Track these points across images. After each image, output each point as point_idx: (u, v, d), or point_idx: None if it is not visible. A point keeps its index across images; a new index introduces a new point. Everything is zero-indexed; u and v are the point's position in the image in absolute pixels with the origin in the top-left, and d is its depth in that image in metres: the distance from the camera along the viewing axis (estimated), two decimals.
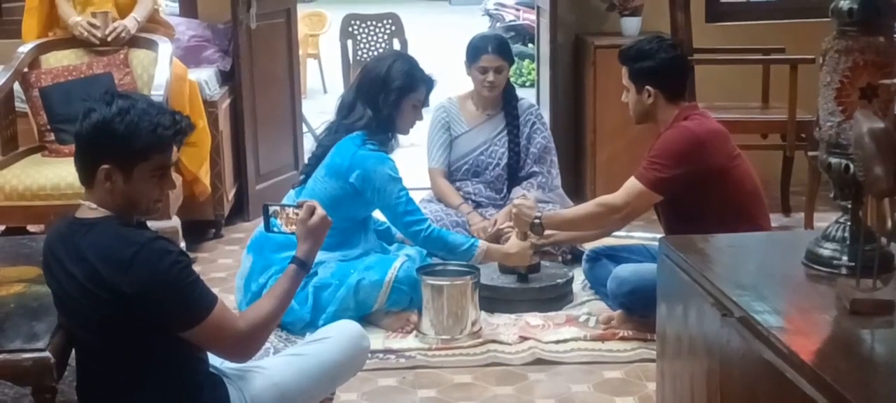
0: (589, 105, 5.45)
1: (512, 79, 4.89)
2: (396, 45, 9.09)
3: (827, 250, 2.32)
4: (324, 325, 3.64)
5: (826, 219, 2.59)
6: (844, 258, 2.28)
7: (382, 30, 9.35)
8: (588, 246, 4.31)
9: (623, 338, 3.79)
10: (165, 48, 4.76)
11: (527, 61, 10.20)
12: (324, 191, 3.93)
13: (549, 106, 5.70)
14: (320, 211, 2.63)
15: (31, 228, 4.67)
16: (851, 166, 2.23)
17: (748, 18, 6.01)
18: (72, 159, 4.53)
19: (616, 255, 4.05)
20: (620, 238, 4.42)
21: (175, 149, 2.49)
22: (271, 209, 2.70)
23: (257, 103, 5.47)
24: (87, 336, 2.44)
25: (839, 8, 2.28)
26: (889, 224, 2.58)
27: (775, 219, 4.89)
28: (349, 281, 3.86)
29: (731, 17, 5.97)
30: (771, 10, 6.28)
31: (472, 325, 3.84)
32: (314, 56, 10.66)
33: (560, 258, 4.49)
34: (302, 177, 4.16)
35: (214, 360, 2.62)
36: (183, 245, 4.25)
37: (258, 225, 4.21)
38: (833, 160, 2.30)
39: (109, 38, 4.77)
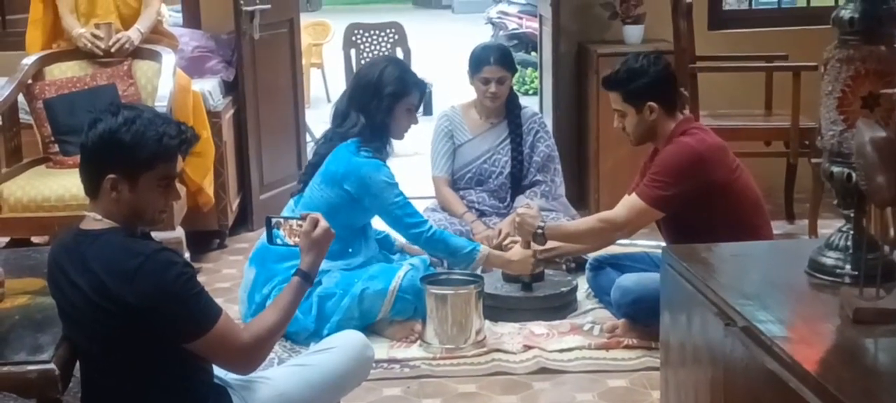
0: (592, 113, 5.45)
1: (515, 88, 4.90)
2: (399, 54, 9.10)
3: (830, 259, 2.32)
4: (328, 335, 3.65)
5: (830, 226, 2.60)
6: (847, 267, 2.28)
7: (385, 39, 9.37)
8: (591, 255, 4.31)
9: (627, 347, 3.79)
10: (169, 59, 4.77)
11: (530, 69, 10.21)
12: (321, 199, 3.94)
13: (552, 114, 5.70)
14: (323, 223, 2.62)
15: (35, 240, 4.68)
16: (854, 175, 2.23)
17: (750, 26, 6.01)
18: (76, 170, 4.54)
19: (620, 264, 4.05)
20: (624, 246, 4.41)
21: (180, 159, 2.50)
22: (274, 221, 2.70)
23: (261, 113, 5.48)
24: (92, 347, 2.44)
25: (840, 17, 2.28)
26: (892, 232, 2.58)
27: (779, 227, 4.90)
28: (353, 290, 3.86)
29: (733, 24, 5.97)
30: (773, 18, 6.29)
31: (476, 334, 3.84)
32: (318, 65, 10.68)
33: (564, 266, 4.49)
34: (299, 185, 4.16)
35: (219, 371, 2.62)
36: (187, 255, 4.25)
37: (262, 235, 4.22)
38: (835, 169, 2.30)
39: (113, 50, 4.78)
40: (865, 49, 2.25)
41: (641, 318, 3.71)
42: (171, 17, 7.12)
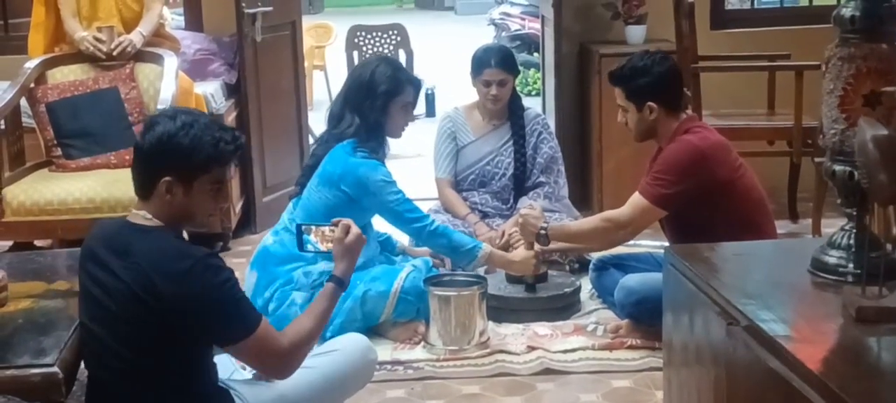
0: (595, 114, 5.45)
1: (518, 89, 4.89)
2: (402, 56, 9.11)
3: (832, 258, 2.32)
4: (331, 337, 3.65)
5: (834, 225, 2.59)
6: (850, 265, 2.28)
7: (388, 40, 9.38)
8: (595, 256, 4.31)
9: (631, 347, 3.78)
10: (171, 62, 4.78)
11: (532, 70, 10.21)
12: (319, 201, 3.94)
13: (555, 115, 5.70)
14: (355, 229, 2.70)
15: (38, 243, 4.69)
16: (856, 173, 2.23)
17: (753, 25, 6.00)
18: (79, 174, 4.61)
19: (623, 264, 4.05)
20: (628, 246, 4.40)
21: (233, 164, 2.57)
22: (304, 228, 2.77)
23: (263, 116, 5.48)
24: (111, 337, 2.44)
25: (841, 15, 2.28)
26: (894, 231, 2.58)
27: (783, 226, 4.89)
28: (355, 292, 3.86)
29: (735, 23, 5.96)
30: (776, 17, 6.28)
31: (479, 335, 3.84)
32: (320, 68, 10.68)
33: (567, 267, 4.49)
34: (297, 187, 4.16)
35: (222, 373, 2.63)
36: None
37: (263, 238, 4.22)
38: (837, 167, 2.30)
39: (115, 53, 4.79)
40: (866, 47, 2.25)
41: (645, 318, 3.71)
42: (173, 20, 7.13)
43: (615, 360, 3.73)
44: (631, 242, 4.34)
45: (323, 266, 3.86)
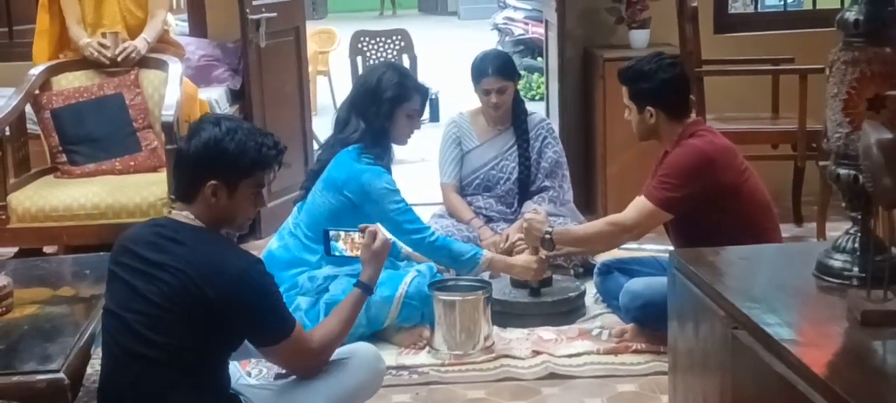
0: (598, 118, 5.45)
1: (521, 93, 4.89)
2: (406, 61, 9.11)
3: (837, 261, 2.33)
4: None
5: (839, 228, 2.59)
6: (855, 269, 2.28)
7: (391, 45, 9.37)
8: (599, 259, 4.31)
9: (636, 351, 3.78)
10: (176, 68, 4.79)
11: (536, 74, 10.21)
12: (323, 205, 3.95)
13: (559, 119, 5.70)
14: (382, 235, 2.82)
15: (44, 249, 4.70)
16: (860, 177, 2.23)
17: (756, 29, 6.00)
18: (84, 180, 4.61)
19: (628, 268, 4.04)
20: (632, 250, 4.41)
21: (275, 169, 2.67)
22: (332, 233, 2.88)
23: (268, 121, 5.48)
24: (146, 326, 2.45)
25: (845, 19, 2.28)
26: None
27: (787, 229, 4.88)
28: None
29: (739, 27, 5.96)
30: (779, 21, 6.28)
31: (484, 340, 3.84)
32: (324, 73, 10.68)
33: (572, 271, 4.49)
34: (302, 192, 4.17)
35: (233, 375, 2.65)
36: None
37: (268, 243, 4.23)
38: (842, 171, 2.31)
39: (120, 59, 4.80)
40: (870, 51, 2.26)
41: (650, 323, 3.71)
42: (178, 26, 7.14)
43: (620, 364, 3.72)
44: (635, 246, 4.36)
45: (328, 270, 3.86)
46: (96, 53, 4.79)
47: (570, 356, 3.78)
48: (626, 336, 3.86)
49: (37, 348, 2.52)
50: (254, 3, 5.32)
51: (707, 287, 2.37)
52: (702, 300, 2.37)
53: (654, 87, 3.66)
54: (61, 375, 2.41)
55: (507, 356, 3.79)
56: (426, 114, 5.35)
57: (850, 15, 2.27)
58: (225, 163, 2.52)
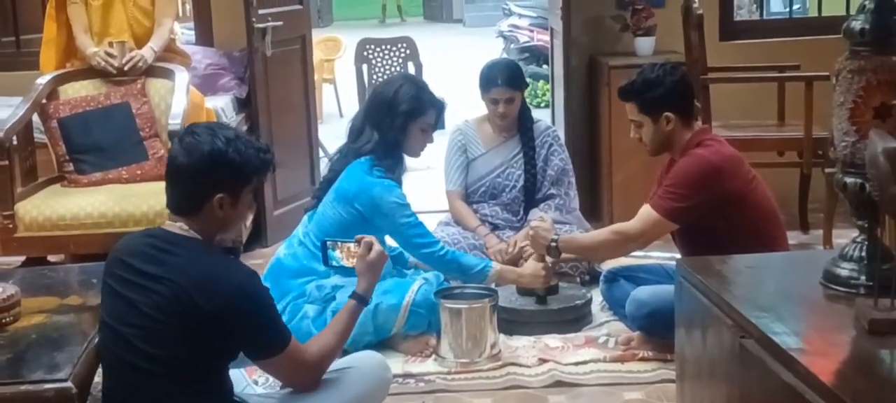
0: (604, 126, 5.46)
1: (527, 100, 4.89)
2: (411, 69, 9.12)
3: (845, 270, 2.33)
4: (343, 349, 3.66)
5: (845, 236, 2.60)
6: (862, 278, 2.29)
7: (397, 53, 9.38)
8: (606, 267, 4.30)
9: (643, 359, 3.78)
10: (182, 77, 4.80)
11: (541, 82, 10.21)
12: (333, 216, 3.95)
13: (564, 127, 5.70)
14: (378, 247, 2.79)
15: (51, 258, 4.70)
16: (867, 185, 2.23)
17: (762, 36, 6.00)
18: (91, 189, 4.62)
19: (634, 276, 4.04)
20: (638, 258, 4.41)
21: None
22: (329, 243, 2.87)
23: (274, 129, 5.50)
24: (141, 339, 2.45)
25: (851, 28, 2.28)
26: None
27: (794, 237, 4.88)
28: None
29: (744, 35, 5.96)
30: (784, 28, 6.28)
31: (491, 348, 3.84)
32: (330, 81, 10.70)
33: (578, 279, 4.49)
34: (313, 200, 4.17)
35: (235, 388, 2.65)
36: None
37: (276, 251, 4.24)
38: (849, 179, 2.31)
39: (127, 68, 4.81)
40: (877, 60, 2.26)
41: (656, 331, 3.71)
42: (184, 35, 7.16)
43: (627, 372, 3.72)
44: (641, 254, 4.35)
45: (336, 279, 3.86)
46: (103, 62, 4.80)
47: (576, 364, 3.78)
48: (632, 344, 3.86)
49: (44, 357, 2.52)
50: (260, 11, 5.33)
51: (714, 295, 2.37)
52: (709, 309, 2.37)
53: (667, 92, 3.65)
54: (69, 384, 2.41)
55: (513, 364, 3.79)
56: None
57: (857, 24, 2.27)
58: (230, 175, 2.51)
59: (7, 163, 4.44)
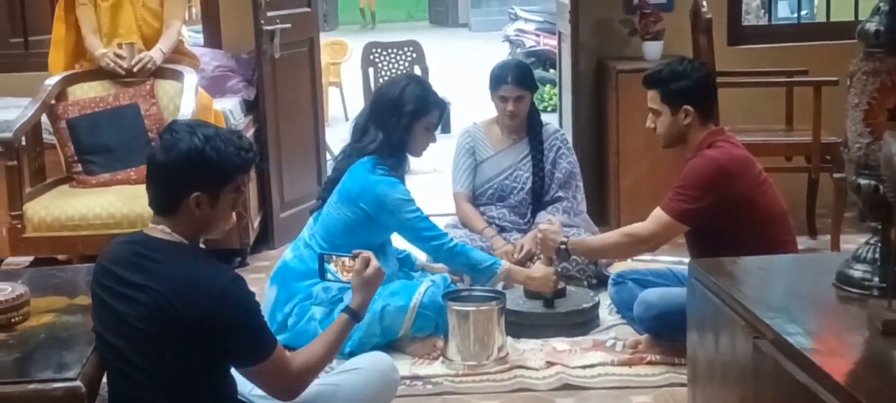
0: (611, 129, 5.45)
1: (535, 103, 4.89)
2: (417, 73, 9.14)
3: (858, 271, 2.32)
4: (350, 352, 3.67)
5: (853, 241, 2.60)
6: (875, 279, 2.28)
7: (403, 57, 9.40)
8: (614, 270, 4.29)
9: (651, 363, 3.77)
10: (191, 78, 4.80)
11: (548, 86, 10.21)
12: (338, 217, 3.95)
13: (572, 131, 5.70)
14: (374, 262, 2.72)
15: (59, 258, 4.70)
16: (881, 187, 2.23)
17: (770, 41, 6.00)
18: (99, 190, 4.62)
19: (642, 279, 4.03)
20: (646, 261, 4.41)
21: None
22: (325, 257, 2.83)
23: (281, 132, 5.50)
24: (131, 350, 2.43)
25: (866, 30, 2.28)
26: None
27: (801, 242, 4.86)
28: (374, 307, 3.85)
29: (752, 39, 5.96)
30: (793, 33, 6.28)
31: (498, 351, 3.84)
32: (336, 84, 10.71)
33: (586, 282, 4.48)
34: (318, 202, 4.17)
35: (241, 389, 2.64)
36: None
37: (283, 253, 4.23)
38: (862, 181, 2.30)
39: (135, 70, 4.81)
40: (891, 61, 2.26)
41: (665, 334, 3.70)
42: (192, 37, 7.16)
43: (635, 376, 3.72)
44: (649, 257, 4.35)
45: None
46: (112, 64, 4.80)
47: (584, 367, 3.77)
48: (640, 348, 3.85)
49: (53, 356, 2.52)
50: (268, 14, 5.34)
51: (727, 297, 2.37)
52: (722, 310, 2.37)
53: (692, 85, 3.66)
54: (78, 383, 2.40)
55: (520, 366, 3.79)
56: None
57: (871, 25, 2.27)
58: (208, 174, 2.43)
59: (16, 163, 4.44)
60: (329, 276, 2.83)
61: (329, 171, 5.98)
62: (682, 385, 3.13)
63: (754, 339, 2.16)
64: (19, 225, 4.43)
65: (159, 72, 4.87)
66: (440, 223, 4.31)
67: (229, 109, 5.19)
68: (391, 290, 3.94)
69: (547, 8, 12.28)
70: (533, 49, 11.70)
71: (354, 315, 2.70)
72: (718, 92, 4.94)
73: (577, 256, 4.07)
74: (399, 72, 9.28)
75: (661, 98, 3.70)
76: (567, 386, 3.67)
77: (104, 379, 2.66)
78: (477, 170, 4.77)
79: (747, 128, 5.21)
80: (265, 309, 4.06)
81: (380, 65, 9.37)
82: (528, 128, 4.76)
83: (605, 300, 4.26)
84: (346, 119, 10.50)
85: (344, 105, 10.80)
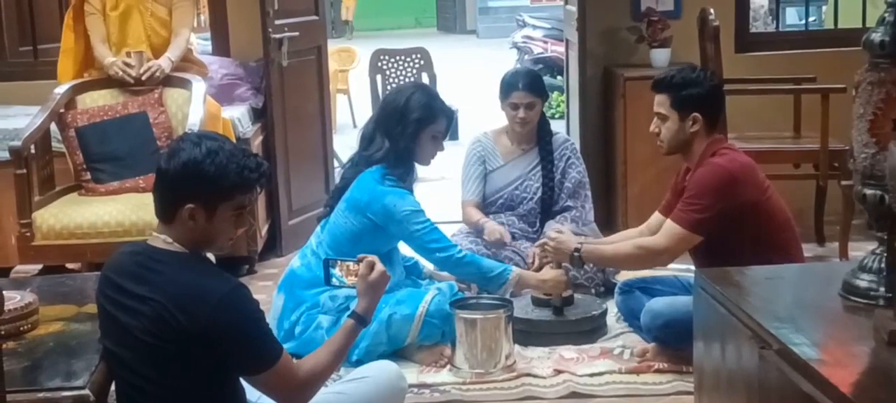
0: (619, 137, 5.45)
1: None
2: (425, 80, 9.15)
3: (864, 281, 2.32)
4: (357, 360, 3.67)
5: (861, 248, 2.60)
6: (881, 289, 2.27)
7: (411, 64, 9.41)
8: (621, 278, 4.29)
9: (658, 371, 3.77)
10: (199, 87, 4.81)
11: (555, 93, 10.21)
12: (345, 226, 3.96)
13: (579, 138, 5.70)
14: (379, 266, 2.70)
15: (68, 267, 4.72)
16: (887, 197, 2.23)
17: (777, 48, 6.00)
18: (108, 198, 4.64)
19: (649, 288, 4.03)
20: (653, 270, 4.39)
21: (257, 191, 2.56)
22: (331, 262, 2.82)
23: (289, 139, 5.52)
24: (136, 360, 2.44)
25: (871, 40, 2.28)
26: None
27: (809, 249, 4.87)
28: (380, 315, 3.85)
29: (760, 47, 5.96)
30: (800, 40, 6.28)
31: (505, 359, 3.84)
32: (344, 91, 10.73)
33: (593, 290, 4.48)
34: (326, 210, 4.18)
35: (250, 396, 2.64)
36: None
37: (291, 261, 4.24)
38: (868, 191, 2.30)
39: (144, 78, 4.83)
40: None
41: (672, 342, 3.70)
42: (201, 45, 7.19)
43: (642, 384, 3.71)
44: None
45: (352, 291, 3.86)
46: (121, 72, 4.82)
47: (591, 375, 3.77)
48: (647, 356, 3.85)
49: (62, 364, 2.53)
50: (276, 22, 5.35)
51: (733, 306, 2.36)
52: (728, 319, 2.37)
53: (704, 93, 3.67)
54: (86, 391, 2.41)
55: (528, 374, 3.79)
56: None
57: (876, 36, 2.27)
58: (204, 187, 2.42)
59: (25, 171, 4.46)
60: (334, 281, 2.81)
61: (337, 179, 6.01)
62: (691, 393, 3.12)
63: (760, 349, 2.16)
64: (28, 234, 4.44)
65: (168, 81, 4.89)
66: (448, 230, 4.31)
67: (237, 117, 5.20)
68: (398, 298, 3.95)
69: (555, 14, 12.30)
70: (541, 55, 11.71)
71: (361, 319, 2.68)
72: (726, 99, 4.98)
73: (589, 264, 4.06)
74: (407, 79, 9.29)
75: (670, 103, 3.70)
76: (575, 394, 3.66)
77: (113, 387, 2.68)
78: (487, 179, 4.77)
79: (755, 135, 5.21)
80: (273, 317, 4.07)
81: (388, 72, 9.39)
82: (538, 138, 4.76)
83: (612, 308, 4.25)
84: (355, 126, 10.52)
85: (352, 112, 10.82)
